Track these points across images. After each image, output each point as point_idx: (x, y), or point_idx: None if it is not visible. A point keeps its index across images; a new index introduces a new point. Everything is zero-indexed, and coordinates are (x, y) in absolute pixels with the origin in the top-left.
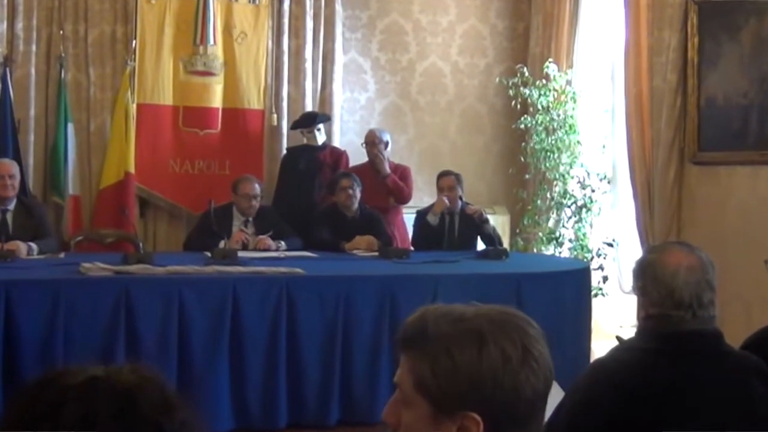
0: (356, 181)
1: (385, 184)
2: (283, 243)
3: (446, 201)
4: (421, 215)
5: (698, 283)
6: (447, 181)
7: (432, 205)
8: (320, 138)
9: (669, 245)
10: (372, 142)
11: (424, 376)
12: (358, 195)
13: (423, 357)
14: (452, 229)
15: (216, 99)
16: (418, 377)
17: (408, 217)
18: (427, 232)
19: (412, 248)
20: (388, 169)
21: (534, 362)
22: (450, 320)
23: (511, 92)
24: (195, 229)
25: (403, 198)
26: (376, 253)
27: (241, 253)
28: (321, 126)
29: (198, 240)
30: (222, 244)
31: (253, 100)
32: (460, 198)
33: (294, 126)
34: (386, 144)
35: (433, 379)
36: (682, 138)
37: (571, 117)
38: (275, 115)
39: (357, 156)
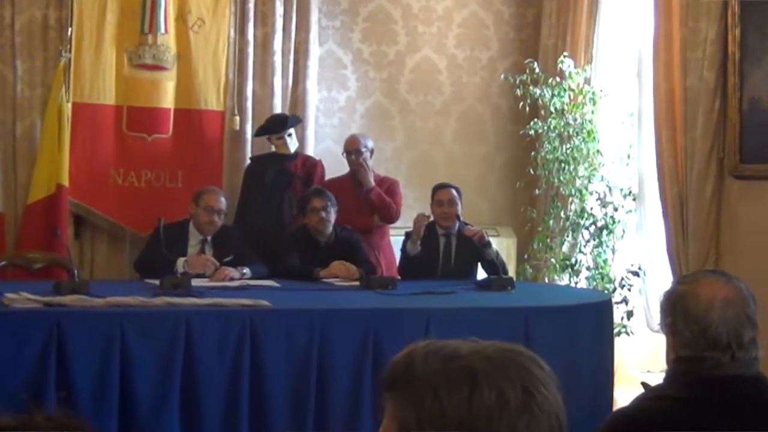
0: (330, 201)
1: (369, 200)
2: (246, 270)
3: (426, 215)
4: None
5: (737, 318)
6: (445, 194)
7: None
8: (291, 145)
9: (702, 274)
10: (354, 149)
11: (408, 421)
12: (333, 217)
13: (408, 399)
14: (448, 254)
15: (167, 98)
16: (401, 423)
17: (396, 240)
18: (409, 263)
19: (399, 277)
20: (372, 182)
21: (536, 408)
22: (441, 357)
23: (518, 92)
24: (145, 252)
25: (390, 216)
26: (357, 283)
27: (195, 282)
28: (292, 131)
29: (151, 262)
30: (180, 265)
31: (212, 100)
32: (458, 217)
33: (260, 131)
34: (371, 152)
35: (418, 426)
36: (721, 147)
37: (590, 122)
38: (237, 118)
39: (334, 166)
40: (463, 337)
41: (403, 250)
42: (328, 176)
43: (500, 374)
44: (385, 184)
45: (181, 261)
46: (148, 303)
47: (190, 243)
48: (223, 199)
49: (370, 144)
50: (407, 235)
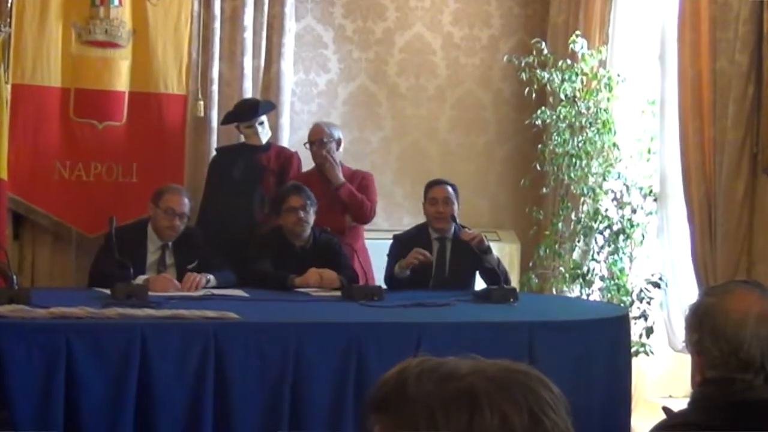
0: (310, 199)
1: (338, 198)
2: (210, 277)
3: (425, 255)
4: (401, 242)
5: None
6: (440, 192)
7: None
8: (263, 135)
9: (734, 286)
10: (318, 140)
11: None
12: (312, 217)
13: (399, 424)
14: (442, 260)
15: (121, 80)
16: None
17: (379, 243)
18: (397, 284)
19: (384, 286)
20: (341, 177)
21: None
22: (437, 377)
23: (524, 76)
24: (99, 257)
25: (364, 215)
26: (337, 293)
27: (154, 292)
28: (264, 119)
29: (104, 271)
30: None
31: (172, 82)
32: (454, 219)
33: (227, 119)
34: (338, 143)
35: None
36: (755, 140)
37: (605, 111)
38: (202, 103)
39: (312, 159)
40: (459, 355)
41: (391, 264)
42: (305, 170)
43: (504, 397)
44: (356, 179)
45: (140, 279)
46: (98, 314)
47: (148, 249)
48: (186, 201)
49: (337, 133)
50: (396, 238)
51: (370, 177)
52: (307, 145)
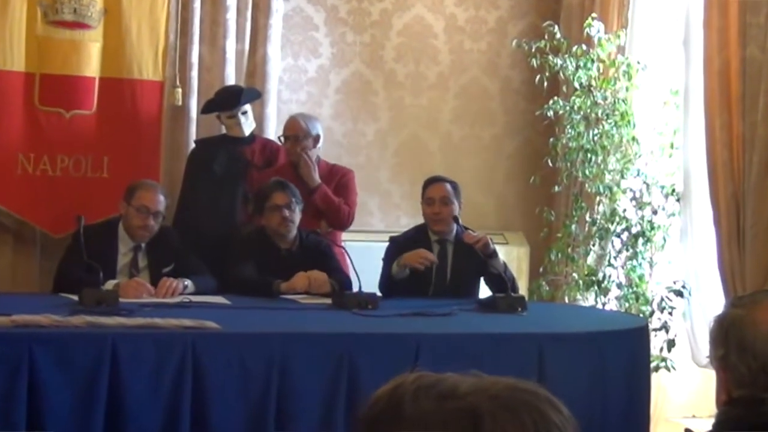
0: (295, 196)
1: (312, 202)
2: (188, 283)
3: (429, 257)
4: (398, 244)
5: None
6: (437, 190)
7: (407, 234)
8: (246, 126)
9: (763, 296)
10: (293, 136)
11: None
12: (298, 217)
13: None
14: (443, 265)
15: (91, 64)
16: None
17: (374, 246)
18: (393, 287)
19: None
20: (317, 178)
21: None
22: (435, 395)
23: (534, 62)
24: (66, 260)
25: (341, 221)
26: (328, 300)
27: (125, 298)
28: (248, 108)
29: (73, 273)
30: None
31: (148, 67)
32: (456, 220)
33: (207, 107)
34: (315, 139)
35: None
36: None
37: (624, 101)
38: (180, 91)
39: None
40: (461, 370)
41: (386, 270)
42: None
43: (508, 418)
44: (335, 177)
45: (111, 283)
46: (64, 323)
47: (119, 250)
48: (161, 198)
49: (316, 129)
50: (392, 240)
51: (351, 175)
52: (281, 139)
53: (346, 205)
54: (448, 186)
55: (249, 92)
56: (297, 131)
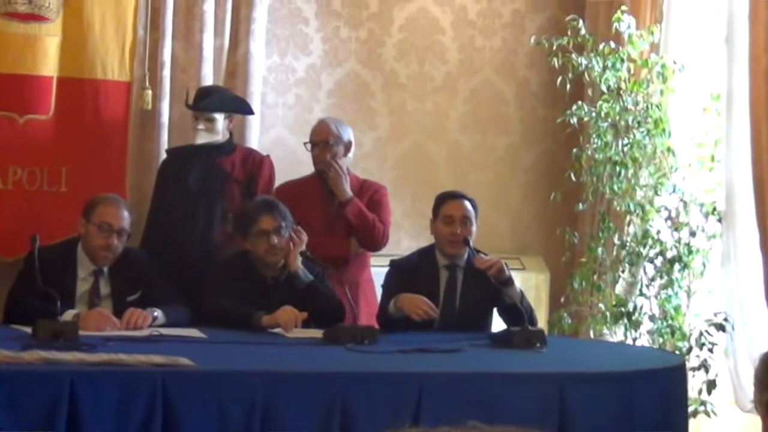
0: (285, 219)
1: (344, 216)
2: (158, 313)
3: (429, 311)
4: (400, 270)
5: None
6: (457, 208)
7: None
8: (205, 135)
9: None
10: (323, 141)
11: None
12: (287, 241)
13: None
14: (451, 294)
15: (48, 62)
16: None
17: (380, 272)
18: (389, 323)
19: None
20: (349, 191)
21: None
22: None
23: (555, 62)
24: (18, 286)
25: (375, 241)
26: (319, 334)
27: (86, 331)
28: (219, 115)
29: (23, 303)
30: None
31: (113, 66)
32: (467, 242)
33: (192, 106)
34: (347, 146)
35: None
36: None
37: (658, 107)
38: (149, 93)
39: (289, 165)
40: (471, 415)
41: (385, 299)
42: (283, 178)
43: None
44: (366, 193)
45: (69, 314)
46: (15, 359)
47: (78, 276)
48: (126, 214)
49: (348, 135)
50: (393, 264)
51: (384, 191)
52: (308, 146)
53: (381, 223)
54: (469, 204)
55: (221, 101)
56: (327, 136)
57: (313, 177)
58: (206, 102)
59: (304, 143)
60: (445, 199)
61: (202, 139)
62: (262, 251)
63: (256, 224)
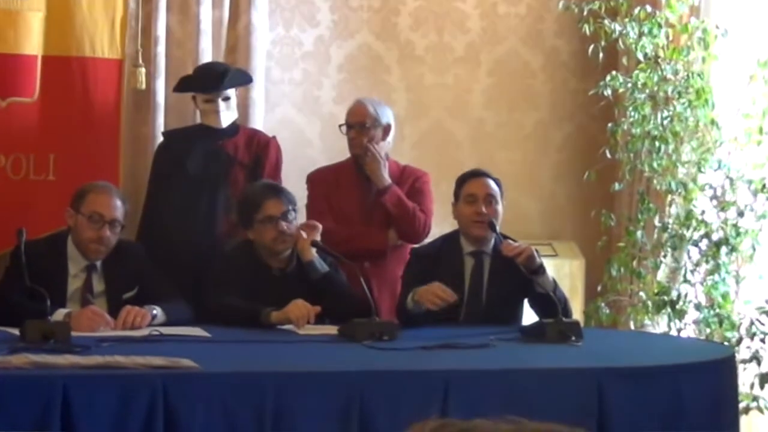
0: (292, 203)
1: (382, 205)
2: (157, 311)
3: (445, 295)
4: (421, 258)
5: None
6: (480, 186)
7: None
8: (226, 116)
9: None
10: (359, 123)
11: None
12: (295, 227)
13: None
14: (477, 284)
15: (31, 40)
16: None
17: None
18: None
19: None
20: (387, 177)
21: None
22: None
23: (586, 29)
24: (4, 284)
25: (415, 231)
26: (334, 330)
27: (78, 331)
28: (232, 94)
29: (13, 300)
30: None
31: (102, 43)
32: (493, 227)
33: (184, 85)
34: (386, 129)
35: None
36: None
37: (700, 76)
38: (143, 70)
39: (297, 147)
40: (501, 413)
41: (406, 291)
42: (290, 161)
43: None
44: (406, 180)
45: (60, 313)
46: (4, 363)
47: (69, 272)
48: (118, 203)
49: (387, 117)
50: (414, 252)
51: (426, 178)
52: (343, 128)
53: (422, 213)
54: (492, 182)
55: (236, 75)
56: (363, 118)
57: (348, 162)
58: (229, 79)
59: (339, 125)
60: (466, 178)
61: (226, 120)
62: (270, 239)
63: (261, 210)
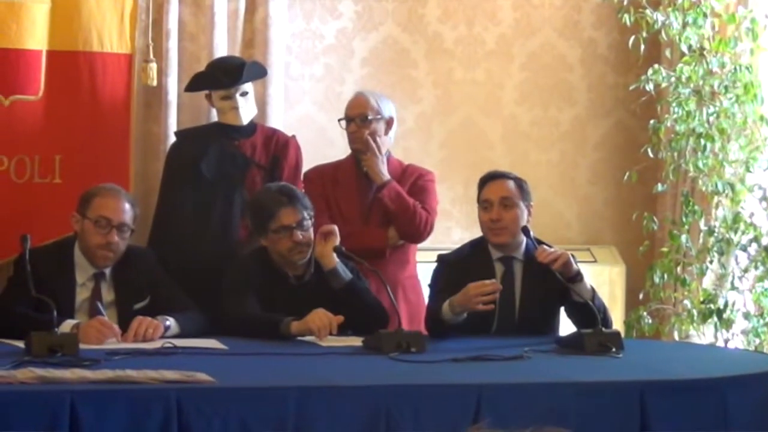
0: (307, 209)
1: (380, 202)
2: (170, 322)
3: (490, 288)
4: (449, 266)
5: None
6: (497, 189)
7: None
8: (246, 112)
9: None
10: (360, 115)
11: None
12: (312, 234)
13: None
14: (509, 292)
15: (36, 34)
16: None
17: (426, 269)
18: (441, 328)
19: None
20: (385, 173)
21: None
22: None
23: (627, 19)
24: (8, 294)
25: (416, 229)
26: (358, 342)
27: (86, 344)
28: (250, 88)
29: (18, 311)
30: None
31: (111, 37)
32: (526, 231)
33: (196, 83)
34: (388, 123)
35: None
36: None
37: (748, 69)
38: (154, 66)
39: (319, 147)
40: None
41: (434, 300)
42: (312, 162)
43: None
44: (408, 178)
45: (68, 325)
46: (6, 377)
47: (77, 281)
48: (127, 207)
49: (388, 109)
50: (440, 259)
51: (430, 176)
52: (343, 123)
53: (424, 210)
54: (511, 184)
55: (253, 68)
56: (365, 110)
57: (348, 159)
58: (247, 71)
59: (339, 119)
60: (484, 181)
61: (247, 116)
62: (285, 249)
63: (275, 219)
